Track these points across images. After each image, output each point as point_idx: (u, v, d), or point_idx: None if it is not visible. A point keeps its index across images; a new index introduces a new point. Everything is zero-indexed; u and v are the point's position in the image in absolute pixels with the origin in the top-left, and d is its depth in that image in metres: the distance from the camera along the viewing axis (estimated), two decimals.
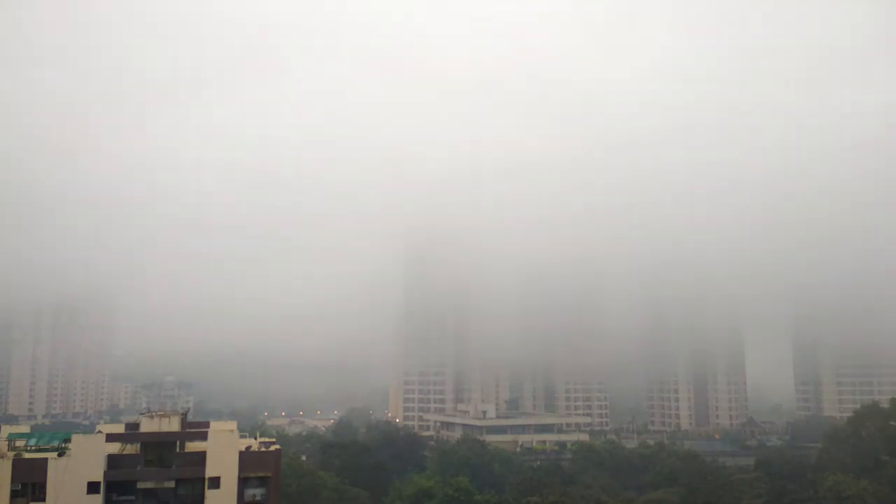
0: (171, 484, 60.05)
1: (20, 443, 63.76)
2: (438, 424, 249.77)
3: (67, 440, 62.03)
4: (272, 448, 66.14)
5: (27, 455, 60.33)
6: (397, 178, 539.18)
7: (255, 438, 72.15)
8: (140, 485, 59.71)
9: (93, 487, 57.75)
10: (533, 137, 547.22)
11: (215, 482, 59.83)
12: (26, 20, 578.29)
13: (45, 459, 58.25)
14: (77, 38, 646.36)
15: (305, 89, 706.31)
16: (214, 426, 66.89)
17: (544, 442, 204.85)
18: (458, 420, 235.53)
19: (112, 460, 59.83)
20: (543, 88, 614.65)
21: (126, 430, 65.67)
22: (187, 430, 64.51)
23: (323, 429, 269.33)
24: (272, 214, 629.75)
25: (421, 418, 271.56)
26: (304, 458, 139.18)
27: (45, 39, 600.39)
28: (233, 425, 67.98)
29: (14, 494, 57.06)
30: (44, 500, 56.99)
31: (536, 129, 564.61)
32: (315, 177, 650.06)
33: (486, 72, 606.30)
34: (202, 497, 59.72)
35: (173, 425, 63.14)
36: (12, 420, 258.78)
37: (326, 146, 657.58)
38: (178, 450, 62.26)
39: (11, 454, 59.21)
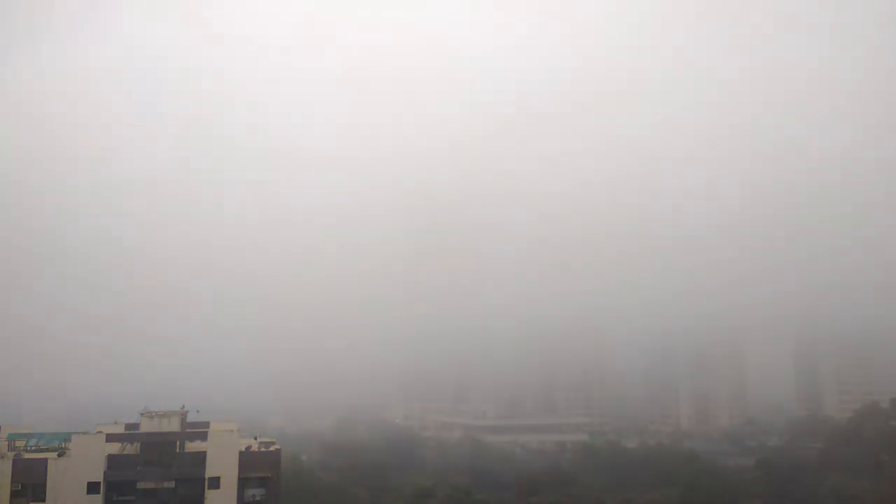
0: (171, 484, 60.09)
1: (20, 443, 63.77)
2: (438, 424, 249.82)
3: (67, 440, 62.07)
4: (272, 448, 66.19)
5: (27, 455, 60.39)
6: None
7: (255, 438, 72.09)
8: (140, 485, 59.75)
9: (93, 488, 57.84)
10: None
11: (215, 482, 59.89)
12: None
13: (45, 459, 58.32)
14: None
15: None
16: (214, 426, 66.86)
17: (544, 442, 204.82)
18: (458, 420, 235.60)
19: (112, 460, 59.85)
20: None
21: (126, 430, 65.71)
22: (187, 430, 64.52)
23: (323, 429, 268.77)
24: (270, 207, 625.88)
25: (421, 418, 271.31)
26: (304, 458, 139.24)
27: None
28: (233, 425, 67.88)
29: (14, 494, 57.09)
30: (44, 500, 57.04)
31: None
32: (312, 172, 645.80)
33: None
34: (202, 497, 59.76)
35: (173, 425, 63.17)
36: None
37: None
38: (177, 450, 62.23)
39: (11, 454, 59.25)
